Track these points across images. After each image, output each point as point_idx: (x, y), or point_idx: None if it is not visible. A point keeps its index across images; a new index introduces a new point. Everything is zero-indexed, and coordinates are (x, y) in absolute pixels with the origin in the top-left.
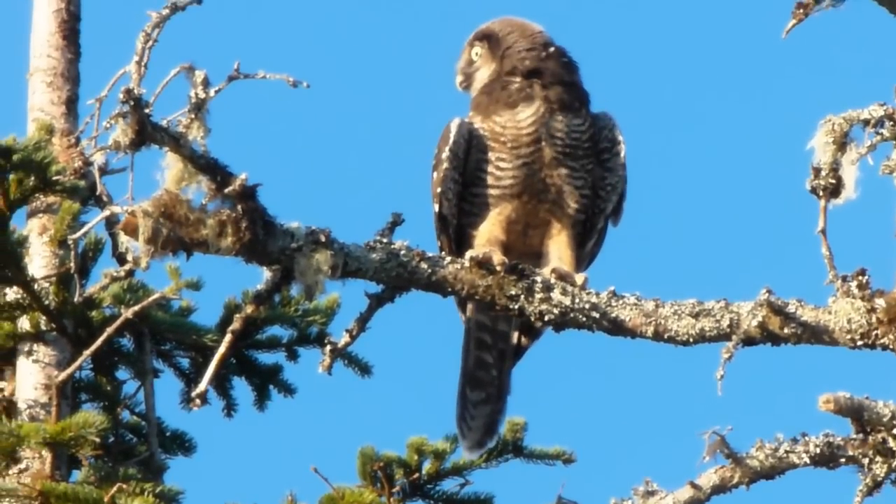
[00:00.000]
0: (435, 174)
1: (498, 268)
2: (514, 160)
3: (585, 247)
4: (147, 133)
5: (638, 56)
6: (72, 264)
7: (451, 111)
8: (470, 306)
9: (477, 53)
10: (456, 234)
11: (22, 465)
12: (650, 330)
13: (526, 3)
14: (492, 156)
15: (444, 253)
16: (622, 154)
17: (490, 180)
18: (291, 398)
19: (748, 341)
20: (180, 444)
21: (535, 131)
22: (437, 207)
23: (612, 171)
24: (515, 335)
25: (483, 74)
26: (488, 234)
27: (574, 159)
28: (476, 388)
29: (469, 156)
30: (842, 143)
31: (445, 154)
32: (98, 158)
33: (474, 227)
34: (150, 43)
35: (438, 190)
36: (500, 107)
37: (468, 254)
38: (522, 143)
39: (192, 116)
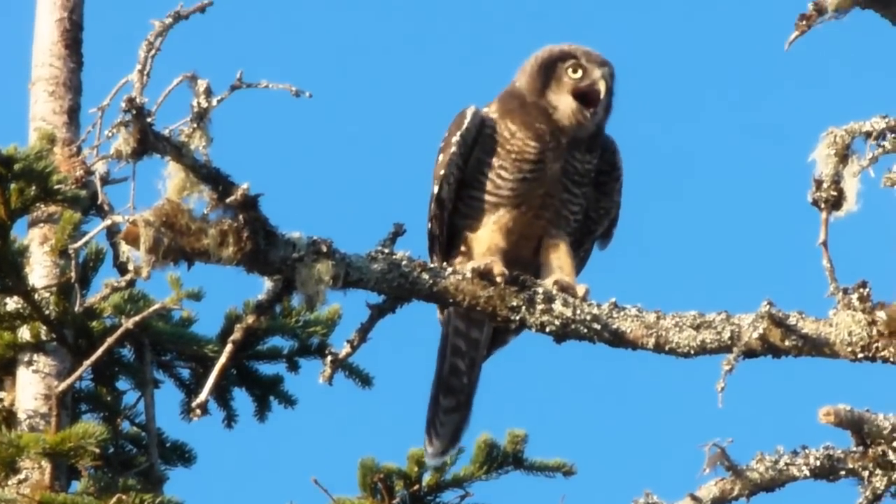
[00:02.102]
0: (441, 156)
1: (498, 279)
2: (515, 172)
3: None
4: (149, 142)
5: (641, 66)
6: (72, 274)
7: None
8: (449, 311)
9: (570, 73)
10: (448, 229)
11: (21, 476)
12: (651, 342)
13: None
14: (495, 162)
15: (434, 260)
16: (620, 181)
17: (489, 186)
18: (292, 409)
19: (749, 353)
20: (180, 454)
21: (541, 153)
22: (436, 189)
23: (607, 196)
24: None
25: (554, 94)
26: (488, 242)
27: (577, 186)
28: (448, 394)
29: (473, 150)
30: (844, 156)
31: (455, 139)
32: (100, 168)
33: (468, 229)
34: (153, 52)
35: (442, 172)
36: (521, 123)
37: (469, 265)
38: (526, 159)
39: (195, 126)
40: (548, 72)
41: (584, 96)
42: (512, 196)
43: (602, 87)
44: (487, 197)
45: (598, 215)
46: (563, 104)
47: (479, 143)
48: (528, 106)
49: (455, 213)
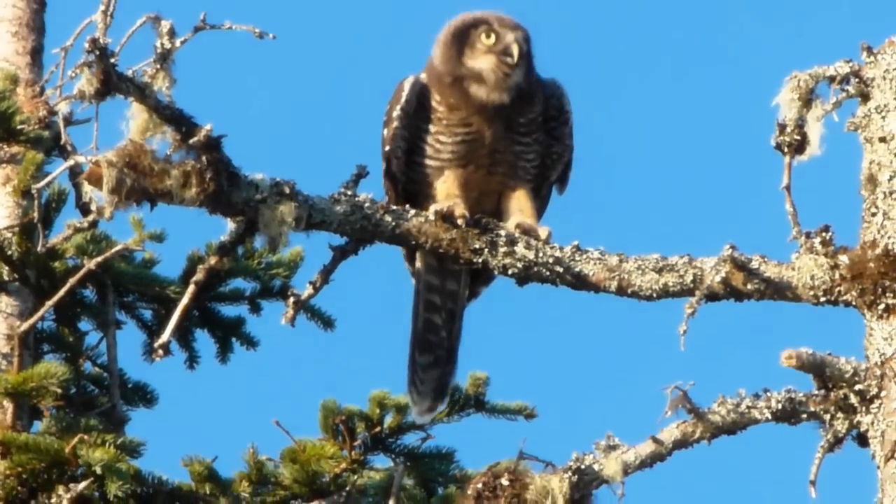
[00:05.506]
0: (385, 131)
1: (460, 221)
2: (451, 136)
3: None
4: (112, 83)
5: (600, 11)
6: (35, 214)
7: (415, 62)
8: (420, 266)
9: (483, 40)
10: (404, 194)
11: None
12: (614, 284)
13: None
14: (432, 128)
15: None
16: (570, 124)
17: (430, 151)
18: (254, 351)
19: (711, 297)
20: (142, 395)
21: (464, 119)
22: (384, 165)
23: (558, 140)
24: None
25: (471, 59)
26: (448, 191)
27: (526, 136)
28: (425, 351)
29: (415, 119)
30: (807, 100)
31: (396, 112)
32: (63, 108)
33: (421, 190)
34: None
35: (387, 148)
36: (440, 93)
37: (432, 207)
38: (455, 124)
39: (158, 67)
40: (462, 39)
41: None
42: (454, 158)
43: (515, 49)
44: (431, 162)
45: (551, 160)
46: (485, 64)
47: (419, 110)
48: (442, 81)
49: (408, 181)
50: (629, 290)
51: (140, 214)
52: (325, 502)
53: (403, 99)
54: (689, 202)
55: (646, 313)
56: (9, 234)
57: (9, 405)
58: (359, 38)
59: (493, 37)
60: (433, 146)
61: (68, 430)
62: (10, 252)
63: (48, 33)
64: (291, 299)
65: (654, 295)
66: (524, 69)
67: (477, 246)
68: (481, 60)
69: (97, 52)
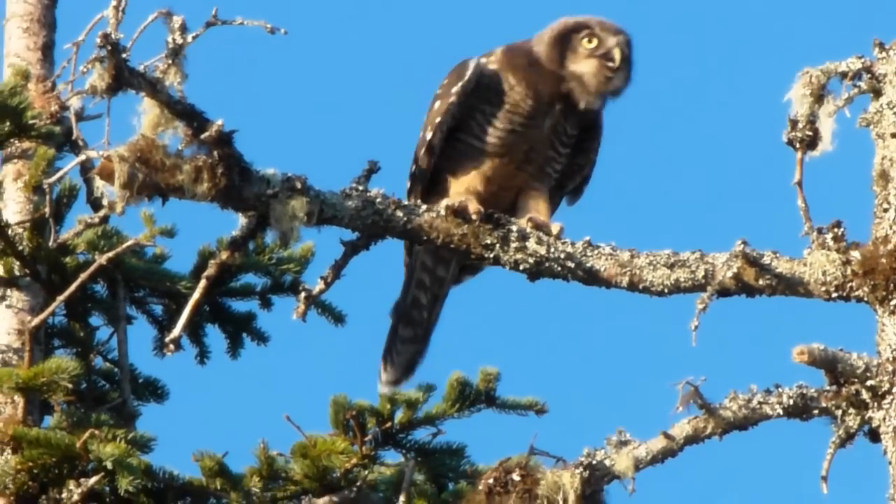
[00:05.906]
0: (438, 104)
1: (473, 216)
2: (505, 123)
3: None
4: (124, 78)
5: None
6: (46, 210)
7: (435, 62)
8: (416, 247)
9: (586, 44)
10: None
11: None
12: (625, 280)
13: None
14: (487, 110)
15: (414, 199)
16: (598, 140)
17: (477, 133)
18: (265, 346)
19: (723, 292)
20: (153, 390)
21: (534, 110)
22: (429, 136)
23: (584, 153)
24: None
25: (574, 63)
26: (467, 184)
27: (563, 146)
28: (408, 325)
29: (468, 99)
30: (819, 96)
31: (456, 89)
32: (74, 103)
33: (448, 172)
34: None
35: (438, 119)
36: (524, 79)
37: (444, 202)
38: (518, 112)
39: (170, 62)
40: (563, 43)
41: None
42: (498, 145)
43: (617, 54)
44: (474, 142)
45: (570, 171)
46: (587, 68)
47: (475, 92)
48: (541, 69)
49: (439, 156)
50: (640, 286)
51: (151, 209)
52: (335, 498)
53: (466, 78)
54: (701, 198)
55: (657, 309)
56: (20, 230)
57: (20, 400)
58: (370, 33)
59: (595, 41)
60: (483, 129)
61: (79, 425)
62: (21, 247)
63: (59, 29)
64: (302, 294)
65: (666, 290)
66: (625, 73)
67: (488, 241)
68: (583, 64)
69: (109, 48)
